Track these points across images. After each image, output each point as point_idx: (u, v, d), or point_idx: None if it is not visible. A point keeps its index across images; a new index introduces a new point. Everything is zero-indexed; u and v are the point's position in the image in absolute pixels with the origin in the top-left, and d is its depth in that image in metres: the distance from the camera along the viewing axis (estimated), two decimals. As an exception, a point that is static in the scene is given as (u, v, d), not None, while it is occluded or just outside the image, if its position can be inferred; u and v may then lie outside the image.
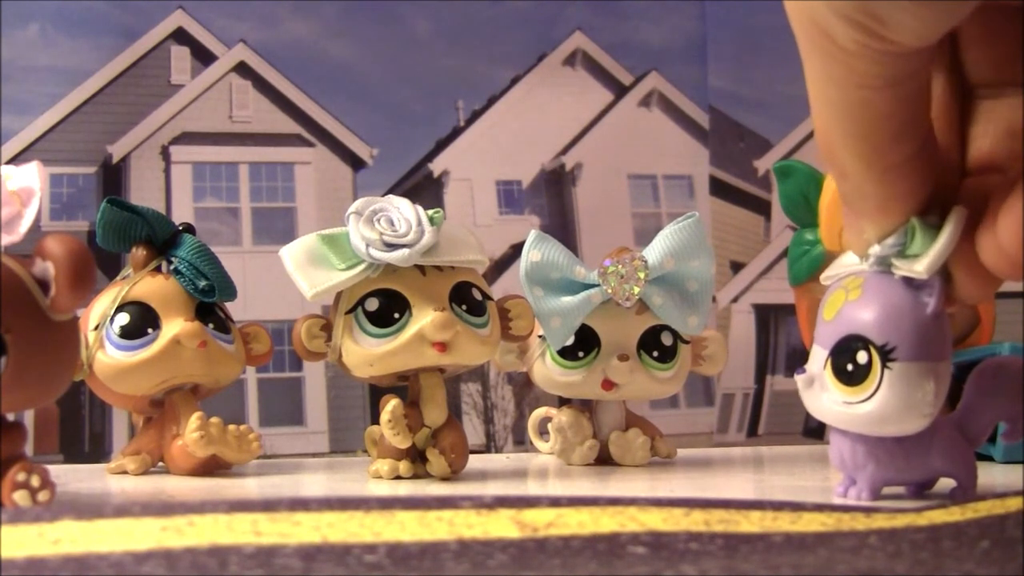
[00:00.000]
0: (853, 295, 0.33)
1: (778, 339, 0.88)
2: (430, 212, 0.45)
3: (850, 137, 0.29)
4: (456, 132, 0.84)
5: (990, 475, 0.44)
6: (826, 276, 0.36)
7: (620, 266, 0.47)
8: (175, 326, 0.45)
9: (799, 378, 0.34)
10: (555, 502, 0.26)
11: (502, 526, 0.25)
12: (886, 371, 0.32)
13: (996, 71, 0.31)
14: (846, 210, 0.32)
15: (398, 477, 0.44)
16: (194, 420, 0.44)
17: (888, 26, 0.25)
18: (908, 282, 0.32)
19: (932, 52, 0.28)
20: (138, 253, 0.47)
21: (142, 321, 0.46)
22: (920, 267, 0.31)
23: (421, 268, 0.44)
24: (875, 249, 0.32)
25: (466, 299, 0.45)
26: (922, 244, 0.31)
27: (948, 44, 0.32)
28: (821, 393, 0.34)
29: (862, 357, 0.32)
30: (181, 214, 0.79)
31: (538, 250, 0.47)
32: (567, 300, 0.47)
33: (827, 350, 0.33)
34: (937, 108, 0.32)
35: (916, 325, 0.32)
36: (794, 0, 0.27)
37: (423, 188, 0.83)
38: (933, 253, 0.30)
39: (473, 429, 0.81)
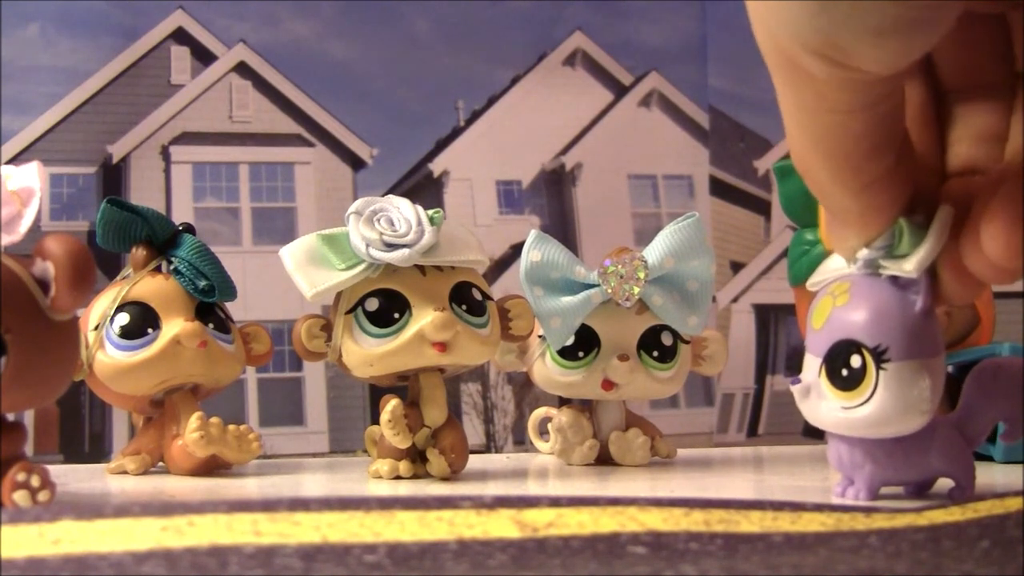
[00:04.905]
0: (841, 300, 0.33)
1: (778, 339, 0.88)
2: (430, 212, 0.45)
3: (825, 159, 0.29)
4: (456, 132, 0.84)
5: (990, 475, 0.44)
6: (812, 283, 0.36)
7: (620, 266, 0.47)
8: (175, 326, 0.45)
9: (794, 389, 0.34)
10: (555, 502, 0.26)
11: (502, 526, 0.25)
12: (881, 372, 0.32)
13: (967, 76, 0.32)
14: (830, 219, 0.33)
15: (398, 477, 0.44)
16: (194, 420, 0.44)
17: (855, 58, 0.25)
18: (895, 282, 0.32)
19: (903, 74, 0.28)
20: (138, 253, 0.47)
21: (142, 321, 0.46)
22: (909, 266, 0.31)
23: (421, 268, 0.44)
24: (863, 253, 0.32)
25: (466, 299, 0.45)
26: (910, 243, 0.31)
27: None
28: (819, 401, 0.34)
29: (856, 361, 0.32)
30: (181, 214, 0.79)
31: (538, 250, 0.47)
32: (567, 300, 0.47)
33: (820, 358, 0.33)
34: (913, 113, 0.32)
35: (906, 324, 0.32)
36: (762, 32, 0.26)
37: (423, 188, 0.83)
38: (922, 251, 0.31)
39: (473, 429, 0.81)
